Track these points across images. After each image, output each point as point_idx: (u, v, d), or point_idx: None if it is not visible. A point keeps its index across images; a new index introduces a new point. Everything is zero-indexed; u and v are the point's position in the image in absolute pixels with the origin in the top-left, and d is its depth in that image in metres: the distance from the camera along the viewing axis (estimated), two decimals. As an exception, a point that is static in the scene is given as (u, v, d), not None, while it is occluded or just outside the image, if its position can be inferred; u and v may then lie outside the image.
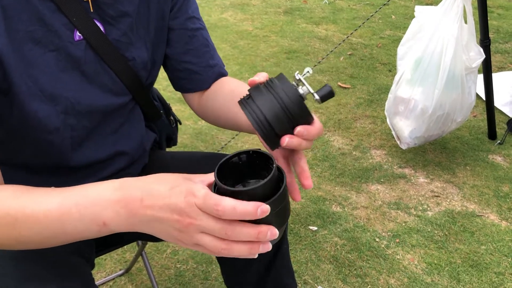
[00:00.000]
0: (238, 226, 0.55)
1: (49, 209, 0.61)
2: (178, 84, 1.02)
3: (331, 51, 2.85)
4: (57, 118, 0.80)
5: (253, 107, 0.62)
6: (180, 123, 1.31)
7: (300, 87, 0.64)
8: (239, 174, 0.65)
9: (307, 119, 0.64)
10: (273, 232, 0.57)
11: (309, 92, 0.63)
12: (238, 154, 0.63)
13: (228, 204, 0.54)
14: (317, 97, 0.64)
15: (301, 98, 0.63)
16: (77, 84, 0.80)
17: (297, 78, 0.65)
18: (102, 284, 1.61)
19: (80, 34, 0.77)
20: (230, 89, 0.96)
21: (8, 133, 0.83)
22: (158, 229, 0.59)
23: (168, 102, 1.25)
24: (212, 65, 0.99)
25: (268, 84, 0.63)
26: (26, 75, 0.74)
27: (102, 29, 0.80)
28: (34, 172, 0.90)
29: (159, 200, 0.57)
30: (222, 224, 0.55)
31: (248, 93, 0.65)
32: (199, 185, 0.57)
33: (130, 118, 0.95)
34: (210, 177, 0.61)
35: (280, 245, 1.07)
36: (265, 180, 0.56)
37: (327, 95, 0.64)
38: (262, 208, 0.54)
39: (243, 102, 0.64)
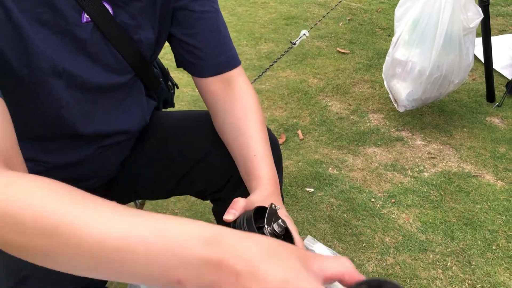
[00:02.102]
0: None
1: (107, 235, 0.45)
2: (182, 63, 0.98)
3: (327, 13, 2.82)
4: (68, 93, 0.81)
5: None
6: (178, 87, 1.32)
7: (267, 227, 0.65)
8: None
9: None
10: None
11: (275, 231, 0.65)
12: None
13: None
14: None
15: (277, 236, 0.65)
16: (81, 64, 0.81)
17: (274, 207, 0.67)
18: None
19: (87, 16, 0.77)
20: (237, 118, 0.93)
21: (22, 105, 0.84)
22: None
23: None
24: (219, 54, 0.94)
25: (238, 224, 0.65)
26: (40, 51, 0.74)
27: (110, 11, 0.80)
28: (41, 140, 0.91)
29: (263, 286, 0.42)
30: None
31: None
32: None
33: (131, 93, 0.96)
34: (332, 265, 0.47)
35: None
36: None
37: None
38: None
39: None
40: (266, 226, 0.65)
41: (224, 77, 0.96)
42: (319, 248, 0.84)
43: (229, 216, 0.68)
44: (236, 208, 0.69)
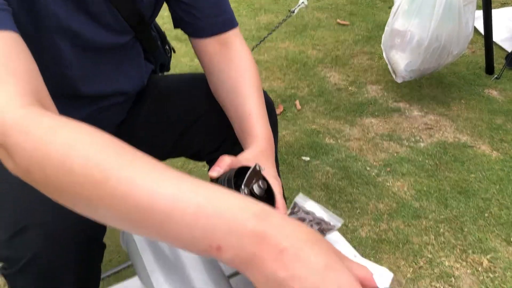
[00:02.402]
0: None
1: (157, 194, 0.45)
2: (180, 24, 0.98)
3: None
4: (71, 53, 0.82)
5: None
6: (174, 51, 1.32)
7: (244, 188, 0.63)
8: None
9: None
10: None
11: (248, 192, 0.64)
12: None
13: None
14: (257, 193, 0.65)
15: (257, 197, 0.64)
16: (83, 23, 0.81)
17: (258, 168, 0.65)
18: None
19: None
20: (233, 78, 0.93)
21: None
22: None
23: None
24: (216, 15, 0.94)
25: (220, 182, 0.64)
26: (47, 12, 0.75)
27: None
28: None
29: (303, 272, 0.42)
30: None
31: None
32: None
33: (130, 55, 0.97)
34: (356, 268, 0.47)
35: None
36: None
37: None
38: None
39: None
40: (243, 187, 0.63)
41: (221, 38, 0.96)
42: (310, 205, 0.86)
43: (213, 173, 0.67)
44: (221, 165, 0.69)
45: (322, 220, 0.81)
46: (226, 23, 0.96)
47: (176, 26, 1.00)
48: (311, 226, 0.79)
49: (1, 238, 0.77)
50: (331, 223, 0.81)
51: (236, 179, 0.65)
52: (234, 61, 0.95)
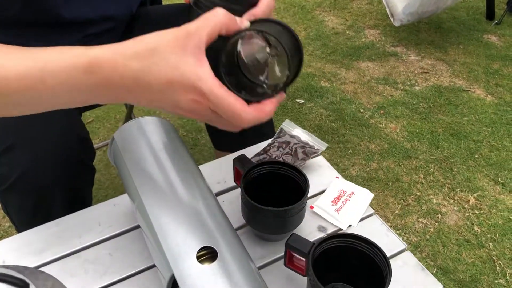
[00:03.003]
0: (253, 113, 0.48)
1: (8, 78, 0.48)
2: None
3: None
4: None
5: (198, 12, 0.58)
6: None
7: None
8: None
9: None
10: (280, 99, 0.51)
11: None
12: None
13: (252, 116, 0.47)
14: None
15: None
16: None
17: None
18: (96, 149, 1.69)
19: None
20: None
21: None
22: (156, 107, 0.48)
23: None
24: None
25: None
26: None
27: None
28: (25, 26, 0.91)
29: (155, 95, 0.46)
30: (236, 109, 0.46)
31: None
32: (209, 80, 0.45)
33: None
34: (205, 29, 0.47)
35: None
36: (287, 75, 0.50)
37: None
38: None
39: (188, 13, 0.61)
40: None
41: None
42: (297, 131, 0.87)
43: None
44: None
45: (307, 144, 0.82)
46: None
47: None
48: (296, 149, 0.81)
49: None
50: (316, 147, 0.82)
51: None
52: None
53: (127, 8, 1.02)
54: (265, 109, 0.48)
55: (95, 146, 1.67)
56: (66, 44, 0.98)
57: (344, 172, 1.55)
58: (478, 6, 2.45)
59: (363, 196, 0.75)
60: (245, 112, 0.46)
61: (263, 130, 1.17)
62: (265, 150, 0.81)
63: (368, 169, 1.56)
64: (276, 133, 0.87)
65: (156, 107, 0.48)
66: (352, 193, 0.76)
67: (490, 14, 2.36)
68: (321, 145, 0.83)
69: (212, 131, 1.23)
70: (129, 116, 1.51)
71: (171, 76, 0.44)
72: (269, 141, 0.85)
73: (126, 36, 1.07)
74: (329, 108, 1.82)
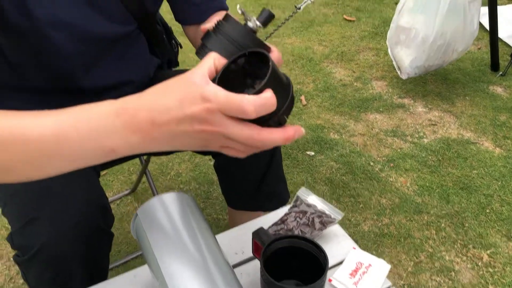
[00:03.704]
0: (266, 133, 0.52)
1: (43, 130, 0.52)
2: (179, 15, 1.02)
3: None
4: (70, 45, 0.84)
5: (207, 53, 0.60)
6: (181, 47, 1.35)
7: (248, 21, 0.64)
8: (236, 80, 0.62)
9: (262, 48, 0.63)
10: (299, 132, 0.54)
11: (255, 24, 0.63)
12: (236, 58, 0.59)
13: (254, 100, 0.49)
14: (258, 23, 0.64)
15: (251, 31, 0.63)
16: (86, 14, 0.83)
17: (240, 12, 0.64)
18: (110, 202, 1.71)
19: None
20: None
21: (25, 59, 0.87)
22: (181, 143, 0.53)
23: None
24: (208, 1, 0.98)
25: (216, 27, 0.64)
26: (41, 5, 0.77)
27: None
28: (47, 93, 0.95)
29: (173, 115, 0.50)
30: (248, 131, 0.51)
31: (201, 40, 0.64)
32: (210, 86, 0.51)
33: (134, 45, 0.99)
34: (206, 67, 0.54)
35: (274, 156, 1.13)
36: (269, 70, 0.53)
37: (267, 18, 0.64)
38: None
39: (199, 51, 0.63)
40: (242, 9, 0.64)
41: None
42: (312, 199, 0.89)
43: (206, 24, 0.68)
44: (213, 20, 0.69)
45: (323, 213, 0.84)
46: (222, 5, 0.99)
47: (176, 17, 1.03)
48: (313, 219, 0.82)
49: (15, 227, 0.81)
50: (332, 216, 0.84)
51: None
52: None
53: (145, 72, 1.06)
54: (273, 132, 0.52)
55: (109, 199, 1.70)
56: None
57: (356, 228, 1.55)
58: (483, 58, 2.51)
59: (380, 268, 0.76)
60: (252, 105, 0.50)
61: (277, 190, 1.19)
62: (282, 220, 0.83)
63: (380, 224, 1.56)
64: (293, 201, 0.88)
65: (174, 138, 0.52)
66: (370, 265, 0.77)
67: (494, 66, 2.41)
68: (337, 214, 0.84)
69: (226, 188, 1.25)
70: (143, 171, 1.53)
71: (182, 93, 0.51)
72: (286, 209, 0.87)
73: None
74: (339, 160, 1.84)
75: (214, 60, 0.54)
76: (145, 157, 1.47)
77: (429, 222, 1.57)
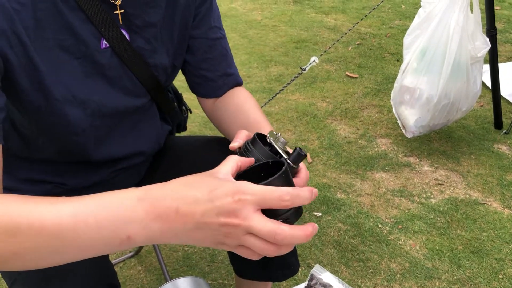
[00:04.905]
0: (287, 229, 0.52)
1: (60, 217, 0.51)
2: (195, 88, 1.06)
3: (337, 40, 2.87)
4: (85, 121, 0.85)
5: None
6: (191, 112, 1.36)
7: (279, 150, 0.67)
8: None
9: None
10: (316, 228, 0.55)
11: (283, 156, 0.66)
12: (258, 165, 0.63)
13: (290, 191, 0.52)
14: (290, 162, 0.66)
15: (277, 155, 0.66)
16: (100, 88, 0.84)
17: (269, 141, 0.68)
18: (114, 265, 1.67)
19: (106, 43, 0.81)
20: (235, 104, 1.00)
21: (38, 133, 0.88)
22: (198, 236, 0.53)
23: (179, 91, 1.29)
24: (228, 74, 1.02)
25: (244, 150, 0.67)
26: (58, 81, 0.78)
27: (127, 37, 0.84)
28: (59, 164, 0.95)
29: (200, 206, 0.51)
30: (271, 225, 0.52)
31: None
32: (242, 182, 0.53)
33: (146, 117, 1.00)
34: (228, 168, 0.57)
35: None
36: (283, 169, 0.57)
37: (297, 158, 0.66)
38: (315, 191, 0.56)
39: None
40: (268, 135, 0.68)
41: (228, 94, 1.04)
42: (327, 276, 0.87)
43: (234, 143, 0.71)
44: (240, 137, 0.72)
45: (340, 295, 0.81)
46: (237, 81, 1.05)
47: (192, 90, 1.07)
48: (329, 301, 0.80)
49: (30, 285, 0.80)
50: (349, 298, 0.81)
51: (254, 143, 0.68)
52: (234, 98, 1.03)
53: (157, 143, 1.06)
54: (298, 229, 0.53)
55: (113, 262, 1.66)
56: (100, 178, 1.02)
57: (366, 294, 1.51)
58: (486, 115, 2.53)
59: None
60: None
61: (288, 260, 1.17)
62: (298, 302, 0.80)
63: (390, 291, 1.52)
64: (307, 280, 0.86)
65: (195, 231, 0.52)
66: None
67: (498, 124, 2.42)
68: (354, 296, 0.82)
69: (234, 256, 1.22)
70: (157, 253, 1.51)
71: (212, 186, 0.52)
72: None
73: (152, 168, 1.11)
74: (346, 222, 1.82)
75: (236, 162, 0.58)
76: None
77: (441, 289, 1.53)
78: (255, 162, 0.63)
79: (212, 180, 0.54)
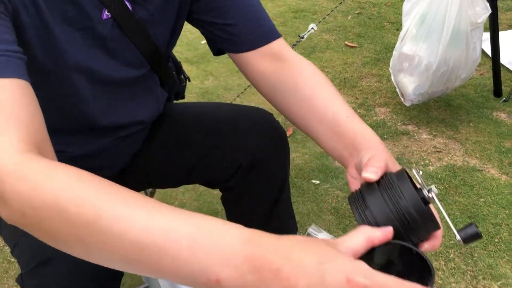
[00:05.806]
0: None
1: (151, 227, 0.46)
2: (217, 45, 0.96)
3: (336, 7, 2.83)
4: (89, 88, 0.85)
5: (365, 211, 0.54)
6: (189, 80, 1.35)
7: (425, 189, 0.57)
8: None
9: (428, 228, 0.58)
10: None
11: (434, 200, 0.57)
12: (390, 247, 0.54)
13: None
14: (458, 238, 0.57)
15: (424, 201, 0.56)
16: (100, 58, 0.84)
17: (417, 174, 0.58)
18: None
19: (108, 13, 0.80)
20: (307, 95, 0.85)
21: (43, 97, 0.88)
22: None
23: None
24: (257, 25, 0.91)
25: (385, 184, 0.56)
26: (63, 51, 0.78)
27: (130, 8, 0.82)
28: (63, 134, 0.95)
29: (305, 277, 0.44)
30: None
31: (360, 188, 0.58)
32: (360, 262, 0.47)
33: (147, 86, 1.00)
34: (355, 243, 0.51)
35: (282, 190, 1.12)
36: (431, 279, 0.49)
37: (471, 238, 0.57)
38: None
39: (354, 201, 0.57)
40: (423, 187, 0.57)
41: (266, 51, 0.90)
42: (323, 236, 0.88)
43: (371, 175, 0.60)
44: (377, 166, 0.62)
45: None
46: (266, 35, 0.91)
47: (215, 52, 1.00)
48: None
49: (29, 267, 0.80)
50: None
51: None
52: (299, 73, 0.88)
53: (156, 111, 1.06)
54: None
55: None
56: (100, 146, 1.02)
57: (364, 259, 1.53)
58: (485, 83, 2.51)
59: None
60: None
61: (286, 225, 1.18)
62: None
63: (387, 255, 1.54)
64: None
65: None
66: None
67: (497, 92, 2.41)
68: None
69: (233, 221, 1.23)
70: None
71: (323, 258, 0.46)
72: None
73: (151, 135, 1.11)
74: (344, 189, 1.83)
75: (366, 242, 0.51)
76: (150, 189, 1.46)
77: (437, 252, 1.55)
78: (393, 239, 0.52)
79: (327, 249, 0.47)
